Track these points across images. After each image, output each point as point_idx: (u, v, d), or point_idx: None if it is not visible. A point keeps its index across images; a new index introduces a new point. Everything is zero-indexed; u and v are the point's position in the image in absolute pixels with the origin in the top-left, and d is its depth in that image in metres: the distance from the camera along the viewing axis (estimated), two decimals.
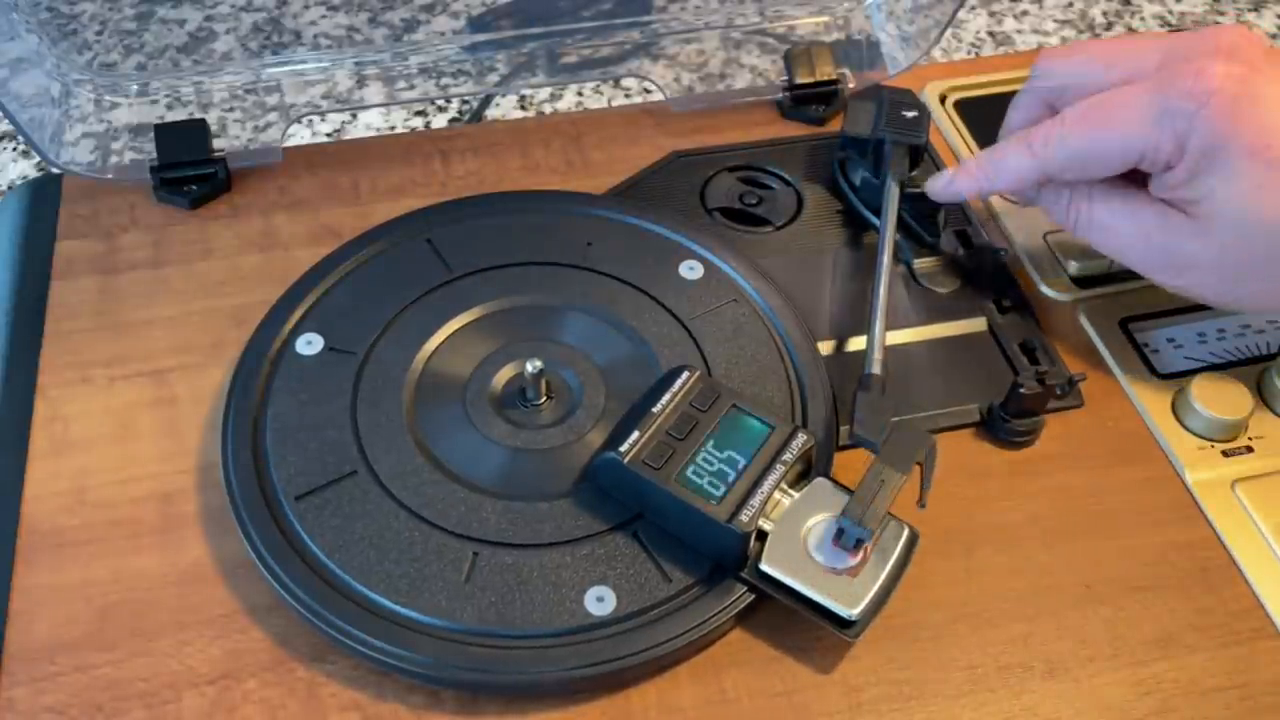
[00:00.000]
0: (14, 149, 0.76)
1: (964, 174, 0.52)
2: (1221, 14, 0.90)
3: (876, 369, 0.47)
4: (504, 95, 0.79)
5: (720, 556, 0.42)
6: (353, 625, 0.41)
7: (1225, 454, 0.48)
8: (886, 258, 0.51)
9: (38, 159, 0.74)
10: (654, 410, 0.44)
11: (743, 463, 0.43)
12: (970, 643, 0.43)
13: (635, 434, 0.43)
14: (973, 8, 0.88)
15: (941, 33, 0.61)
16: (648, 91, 0.79)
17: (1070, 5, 0.89)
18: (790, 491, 0.43)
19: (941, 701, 0.42)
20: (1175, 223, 0.46)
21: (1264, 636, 0.43)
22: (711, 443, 0.44)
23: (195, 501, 0.46)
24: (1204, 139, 0.43)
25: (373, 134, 0.76)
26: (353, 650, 0.41)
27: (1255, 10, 0.90)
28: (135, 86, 0.59)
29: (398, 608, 0.41)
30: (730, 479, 0.43)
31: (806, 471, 0.45)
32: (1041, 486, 0.47)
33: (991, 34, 0.86)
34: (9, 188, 0.73)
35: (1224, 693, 0.42)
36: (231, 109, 0.60)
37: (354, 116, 0.77)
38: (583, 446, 0.46)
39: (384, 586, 0.42)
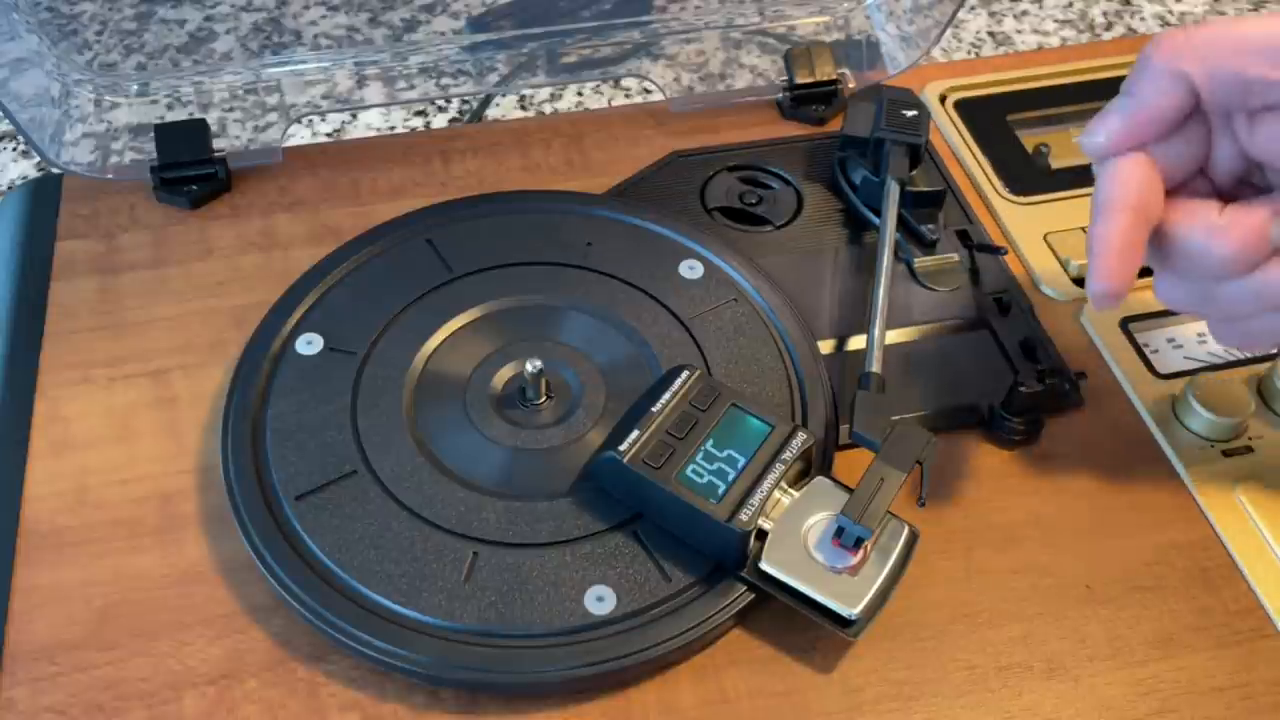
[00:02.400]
0: (14, 149, 0.76)
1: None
2: (1222, 14, 0.90)
3: (876, 368, 0.47)
4: (504, 95, 0.79)
5: (720, 556, 0.42)
6: (353, 625, 0.41)
7: (1225, 454, 0.48)
8: (886, 257, 0.51)
9: (38, 159, 0.74)
10: (654, 410, 0.44)
11: (742, 462, 0.43)
12: (970, 643, 0.43)
13: (635, 433, 0.43)
14: (973, 8, 0.88)
15: (941, 33, 0.61)
16: (648, 91, 0.79)
17: (1070, 5, 0.89)
18: (790, 490, 0.43)
19: (941, 701, 0.42)
20: None
21: (1264, 636, 0.43)
22: (711, 442, 0.44)
23: (195, 501, 0.46)
24: None
25: (373, 134, 0.76)
26: (353, 650, 0.41)
27: (1255, 10, 0.90)
28: (135, 86, 0.59)
29: (398, 608, 0.41)
30: (730, 478, 0.43)
31: (806, 471, 0.45)
32: (1041, 486, 0.47)
33: (991, 34, 0.86)
34: (9, 188, 0.73)
35: (1224, 693, 0.42)
36: (231, 109, 0.60)
37: (354, 116, 0.77)
38: (583, 446, 0.46)
39: (384, 586, 0.42)
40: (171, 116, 0.59)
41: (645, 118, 0.63)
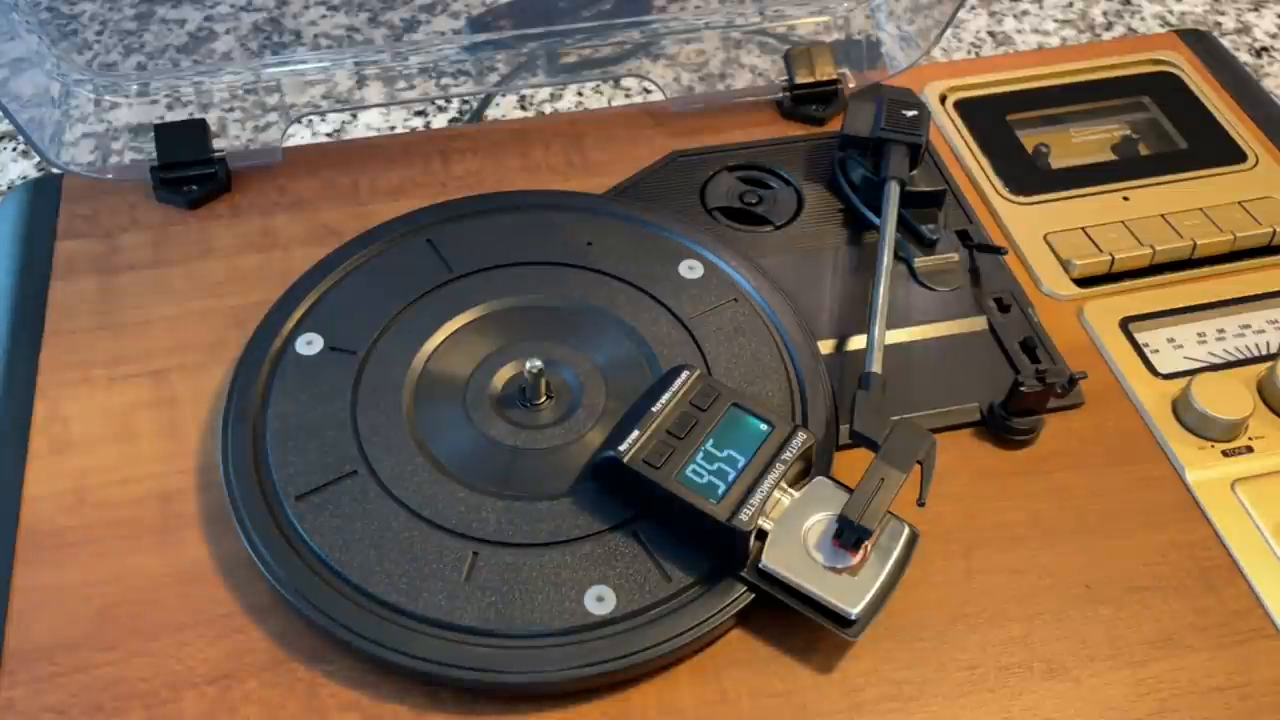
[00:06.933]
0: (14, 149, 0.76)
1: None
2: (1222, 14, 0.90)
3: (876, 368, 0.47)
4: (504, 95, 0.79)
5: (720, 555, 0.42)
6: (353, 625, 0.41)
7: (1225, 454, 0.48)
8: (886, 257, 0.51)
9: (38, 159, 0.74)
10: (654, 409, 0.44)
11: (743, 461, 0.43)
12: (970, 643, 0.43)
13: (635, 433, 0.43)
14: (973, 8, 0.88)
15: (941, 33, 0.61)
16: (648, 91, 0.79)
17: (1070, 5, 0.89)
18: (790, 490, 0.43)
19: (941, 701, 0.42)
20: None
21: (1264, 636, 0.43)
22: (711, 442, 0.44)
23: (195, 501, 0.46)
24: None
25: (373, 134, 0.76)
26: (352, 650, 0.41)
27: (1255, 10, 0.90)
28: (135, 86, 0.59)
29: (397, 607, 0.41)
30: (730, 478, 0.43)
31: (806, 470, 0.45)
32: (1041, 486, 0.47)
33: (991, 34, 0.86)
34: (9, 188, 0.73)
35: (1224, 693, 0.42)
36: (231, 109, 0.60)
37: (354, 116, 0.77)
38: (583, 446, 0.46)
39: (384, 586, 0.42)
40: (171, 116, 0.59)
41: (645, 118, 0.63)
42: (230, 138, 0.59)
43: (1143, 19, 0.88)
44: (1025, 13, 0.88)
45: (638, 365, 0.49)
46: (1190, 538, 0.46)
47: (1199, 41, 0.68)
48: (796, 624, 0.42)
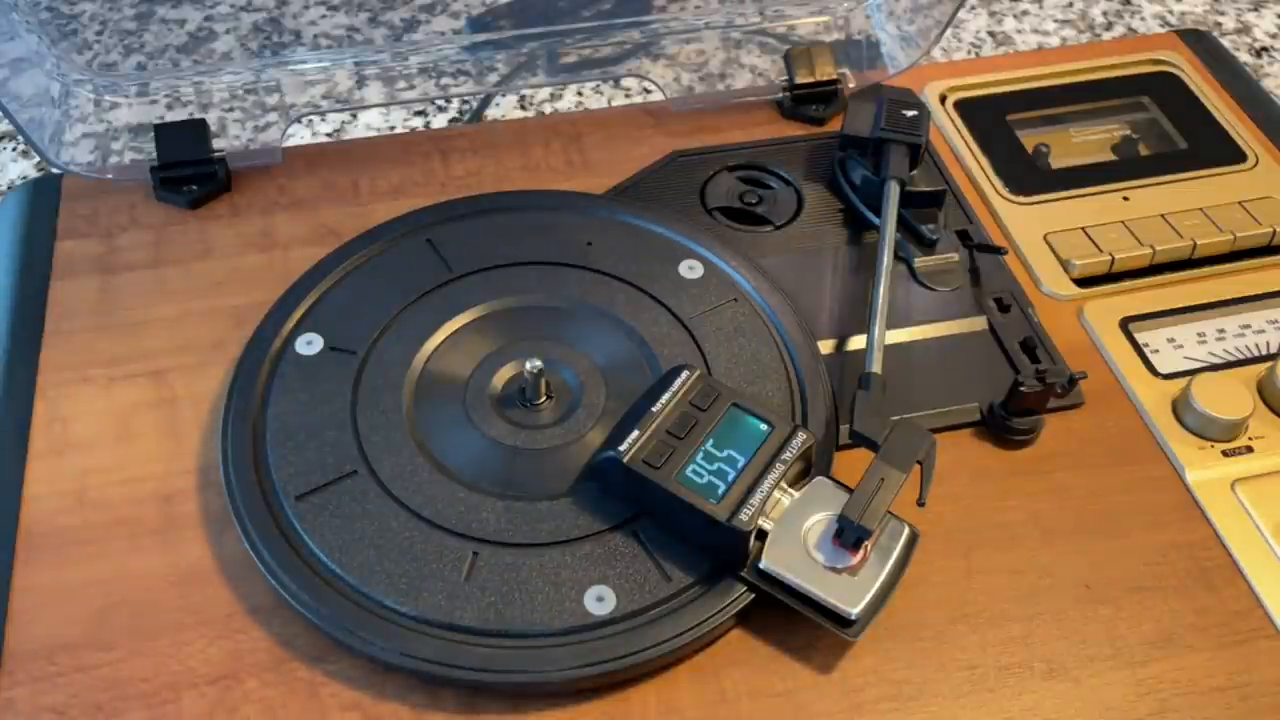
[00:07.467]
0: (14, 149, 0.76)
1: None
2: (1222, 14, 0.90)
3: (876, 368, 0.47)
4: (504, 95, 0.79)
5: (720, 555, 0.42)
6: (353, 625, 0.41)
7: (1225, 454, 0.48)
8: (886, 257, 0.51)
9: (38, 159, 0.74)
10: (654, 409, 0.44)
11: (743, 461, 0.43)
12: (970, 643, 0.43)
13: (635, 433, 0.43)
14: (973, 8, 0.88)
15: (941, 33, 0.61)
16: (648, 91, 0.79)
17: (1070, 5, 0.89)
18: (790, 490, 0.43)
19: (941, 701, 0.42)
20: None
21: (1264, 636, 0.43)
22: (711, 442, 0.44)
23: (195, 501, 0.46)
24: None
25: (373, 134, 0.76)
26: (353, 650, 0.41)
27: (1255, 10, 0.90)
28: (135, 86, 0.59)
29: (398, 607, 0.41)
30: (730, 478, 0.43)
31: (806, 471, 0.45)
32: (1041, 486, 0.47)
33: (991, 34, 0.86)
34: (9, 188, 0.73)
35: (1224, 693, 0.42)
36: (231, 109, 0.60)
37: (354, 116, 0.77)
38: (582, 446, 0.46)
39: (384, 586, 0.42)
40: (171, 116, 0.59)
41: (645, 118, 0.63)
42: (230, 138, 0.59)
43: (1143, 19, 0.88)
44: (1025, 13, 0.88)
45: (638, 365, 0.49)
46: (1190, 538, 0.46)
47: (1199, 41, 0.68)
48: (796, 624, 0.42)
